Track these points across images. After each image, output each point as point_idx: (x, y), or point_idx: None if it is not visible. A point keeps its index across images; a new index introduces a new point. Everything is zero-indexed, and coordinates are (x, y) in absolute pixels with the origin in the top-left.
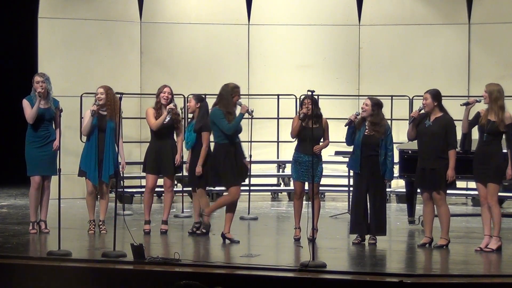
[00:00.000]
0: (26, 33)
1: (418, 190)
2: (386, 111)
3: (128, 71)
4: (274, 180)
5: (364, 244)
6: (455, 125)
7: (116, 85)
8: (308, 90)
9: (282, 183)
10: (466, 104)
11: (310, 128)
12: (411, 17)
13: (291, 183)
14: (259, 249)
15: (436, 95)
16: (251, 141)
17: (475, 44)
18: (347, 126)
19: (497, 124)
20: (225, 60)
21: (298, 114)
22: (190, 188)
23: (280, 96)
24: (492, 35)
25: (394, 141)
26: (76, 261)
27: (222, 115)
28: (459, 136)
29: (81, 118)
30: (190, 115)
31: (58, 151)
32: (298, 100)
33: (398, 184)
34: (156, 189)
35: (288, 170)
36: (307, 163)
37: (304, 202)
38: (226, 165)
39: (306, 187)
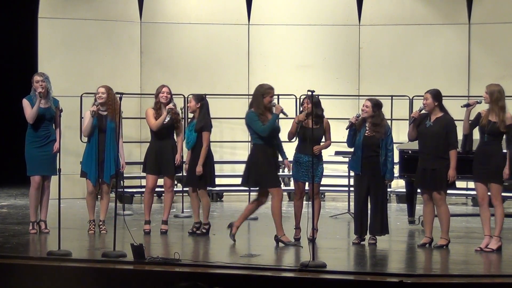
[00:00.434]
0: (26, 33)
1: (418, 190)
2: (386, 111)
3: (128, 71)
4: None
5: (364, 244)
6: (455, 125)
7: (116, 85)
8: (308, 90)
9: (282, 183)
10: (467, 105)
11: (310, 128)
12: (411, 17)
13: (291, 183)
14: (259, 249)
15: (436, 95)
16: (251, 141)
17: (475, 44)
18: (348, 129)
19: (497, 124)
20: (225, 60)
21: (296, 117)
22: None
23: (280, 96)
24: (492, 35)
25: (394, 141)
26: (76, 261)
27: (255, 117)
28: (459, 136)
29: (81, 118)
30: (191, 115)
31: (59, 145)
32: (298, 100)
33: (398, 184)
34: (156, 189)
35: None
36: (308, 163)
37: (304, 202)
38: (265, 167)
39: (307, 187)
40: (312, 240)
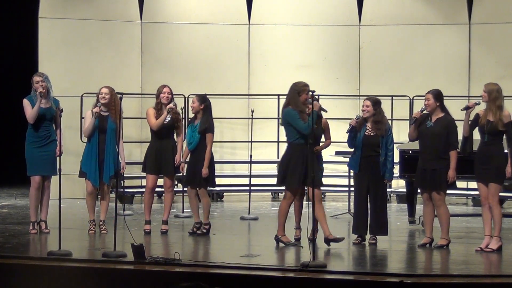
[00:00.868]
0: (26, 33)
1: (419, 190)
2: (386, 111)
3: (128, 71)
4: (274, 180)
5: (364, 244)
6: (456, 126)
7: (116, 85)
8: (309, 90)
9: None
10: (466, 108)
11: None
12: (411, 17)
13: None
14: (259, 249)
15: (438, 96)
16: (251, 141)
17: (475, 44)
18: (348, 132)
19: (495, 123)
20: (225, 60)
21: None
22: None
23: (280, 96)
24: (492, 35)
25: (394, 141)
26: (76, 261)
27: (297, 115)
28: (460, 137)
29: (82, 118)
30: (191, 115)
31: (60, 147)
32: None
33: (398, 184)
34: (156, 189)
35: None
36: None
37: (304, 203)
38: (296, 167)
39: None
40: (312, 240)
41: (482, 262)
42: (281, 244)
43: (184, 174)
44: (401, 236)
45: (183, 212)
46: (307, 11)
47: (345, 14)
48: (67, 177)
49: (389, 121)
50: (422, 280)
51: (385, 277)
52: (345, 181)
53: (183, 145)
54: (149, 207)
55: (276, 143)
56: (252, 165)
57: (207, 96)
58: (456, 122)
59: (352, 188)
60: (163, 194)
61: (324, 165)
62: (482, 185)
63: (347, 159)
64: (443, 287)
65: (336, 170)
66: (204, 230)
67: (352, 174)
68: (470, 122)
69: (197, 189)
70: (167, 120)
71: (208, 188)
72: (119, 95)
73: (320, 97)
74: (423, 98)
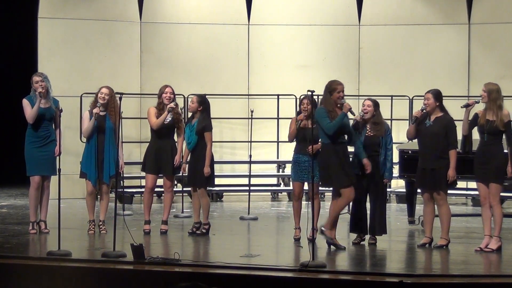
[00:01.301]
0: (26, 33)
1: (418, 190)
2: (386, 111)
3: (128, 71)
4: (274, 180)
5: (364, 244)
6: (455, 125)
7: (116, 85)
8: (308, 90)
9: (282, 183)
10: (466, 106)
11: (309, 129)
12: (411, 17)
13: (291, 183)
14: (259, 249)
15: (437, 95)
16: (251, 141)
17: (475, 44)
18: (352, 127)
19: (496, 123)
20: (225, 60)
21: (295, 116)
22: (190, 188)
23: (280, 96)
24: (492, 35)
25: (394, 141)
26: (76, 261)
27: (324, 114)
28: (459, 136)
29: (81, 118)
30: (190, 114)
31: (59, 148)
32: (298, 100)
33: (398, 184)
34: (156, 189)
35: (288, 170)
36: (306, 163)
37: (304, 202)
38: (335, 166)
39: (306, 187)
40: (312, 240)
41: (482, 262)
42: (280, 244)
43: (185, 174)
44: (400, 236)
45: (182, 212)
46: (307, 11)
47: (344, 14)
48: (66, 177)
49: (389, 121)
50: (421, 280)
51: (385, 277)
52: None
53: (183, 145)
54: (148, 207)
55: (276, 143)
56: (252, 165)
57: (207, 96)
58: (455, 121)
59: None
60: (163, 194)
61: None
62: (481, 185)
63: None
64: (443, 287)
65: None
66: (204, 230)
67: None
68: (469, 121)
69: (197, 189)
70: (167, 120)
71: (208, 188)
72: (119, 95)
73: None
74: (423, 98)
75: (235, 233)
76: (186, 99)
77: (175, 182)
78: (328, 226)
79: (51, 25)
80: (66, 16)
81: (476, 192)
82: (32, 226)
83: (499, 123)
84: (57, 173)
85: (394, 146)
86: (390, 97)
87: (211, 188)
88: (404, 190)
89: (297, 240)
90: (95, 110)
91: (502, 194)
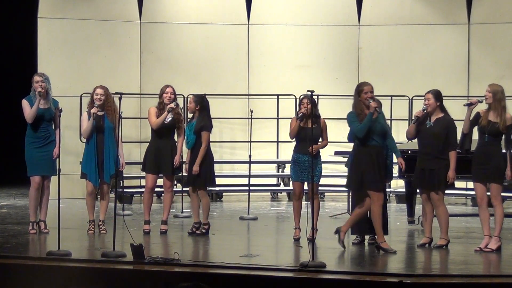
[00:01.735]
0: (26, 33)
1: (418, 190)
2: (385, 111)
3: (128, 71)
4: (273, 180)
5: (364, 244)
6: (455, 126)
7: (116, 85)
8: (308, 90)
9: (282, 183)
10: (469, 104)
11: (309, 128)
12: (411, 17)
13: (291, 183)
14: (259, 249)
15: (438, 95)
16: (250, 141)
17: (474, 44)
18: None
19: (498, 125)
20: (225, 60)
21: (296, 115)
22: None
23: (279, 96)
24: (492, 35)
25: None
26: (75, 261)
27: (354, 117)
28: (459, 136)
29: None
30: (190, 115)
31: (58, 150)
32: (297, 100)
33: (398, 184)
34: (156, 189)
35: (287, 170)
36: (306, 163)
37: (304, 202)
38: (370, 168)
39: (306, 187)
40: (311, 240)
41: (481, 262)
42: (280, 244)
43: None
44: (400, 236)
45: (182, 212)
46: (307, 11)
47: (344, 14)
48: (66, 177)
49: (388, 121)
50: (421, 280)
51: (385, 277)
52: (344, 181)
53: (183, 146)
54: (148, 207)
55: (276, 143)
56: (252, 165)
57: (206, 96)
58: (455, 121)
59: None
60: (163, 194)
61: (324, 165)
62: (479, 185)
63: (346, 159)
64: (443, 287)
65: (335, 170)
66: (204, 230)
67: None
68: (470, 119)
69: (197, 189)
70: (167, 120)
71: (208, 188)
72: (119, 95)
73: (319, 97)
74: (423, 98)
75: (235, 233)
76: (186, 99)
77: (175, 182)
78: (381, 238)
79: (51, 25)
80: (66, 16)
81: None
82: (32, 226)
83: (502, 125)
84: (57, 173)
85: None
86: (389, 97)
87: (211, 188)
88: (404, 190)
89: (297, 240)
90: (92, 110)
91: (502, 194)
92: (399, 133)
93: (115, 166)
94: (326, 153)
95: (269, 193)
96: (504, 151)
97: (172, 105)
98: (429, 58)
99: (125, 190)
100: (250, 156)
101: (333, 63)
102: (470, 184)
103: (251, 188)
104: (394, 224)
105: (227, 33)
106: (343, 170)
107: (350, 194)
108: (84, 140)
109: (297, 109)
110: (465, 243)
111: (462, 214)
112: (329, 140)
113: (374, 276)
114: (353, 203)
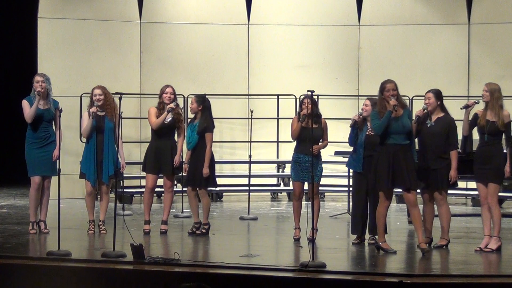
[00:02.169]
0: (26, 33)
1: (418, 190)
2: None
3: (128, 71)
4: (273, 180)
5: (364, 244)
6: (456, 126)
7: (116, 85)
8: (308, 90)
9: (282, 183)
10: (466, 106)
11: (309, 128)
12: (411, 17)
13: (291, 183)
14: (259, 249)
15: (438, 94)
16: (250, 141)
17: (475, 44)
18: (351, 127)
19: (497, 123)
20: (225, 60)
21: (297, 115)
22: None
23: (279, 96)
24: (492, 35)
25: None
26: (75, 261)
27: (375, 116)
28: (459, 137)
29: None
30: (191, 115)
31: (58, 152)
32: (297, 100)
33: None
34: (156, 189)
35: (287, 170)
36: (307, 163)
37: (304, 202)
38: (383, 168)
39: (306, 187)
40: (311, 240)
41: (482, 262)
42: (280, 244)
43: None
44: (400, 236)
45: (182, 212)
46: (306, 11)
47: (344, 14)
48: (66, 177)
49: None
50: (421, 280)
51: (385, 277)
52: (344, 181)
53: (183, 146)
54: (148, 207)
55: (276, 143)
56: (252, 165)
57: (207, 96)
58: (455, 122)
59: (351, 188)
60: (163, 194)
61: (324, 165)
62: (481, 185)
63: (346, 159)
64: (443, 287)
65: (335, 170)
66: (204, 230)
67: (351, 174)
68: (469, 121)
69: (197, 189)
70: (167, 120)
71: (208, 188)
72: (119, 95)
73: (319, 97)
74: (423, 98)
75: (235, 233)
76: (186, 99)
77: (175, 182)
78: (382, 238)
79: (51, 25)
80: (66, 16)
81: (476, 192)
82: (32, 226)
83: (500, 123)
84: (57, 174)
85: None
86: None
87: (211, 188)
88: None
89: (297, 240)
90: (92, 109)
91: (502, 194)
92: None
93: (114, 167)
94: (326, 153)
95: (269, 193)
96: (505, 151)
97: (172, 105)
98: (429, 58)
99: (125, 190)
100: (250, 156)
101: (333, 63)
102: (471, 184)
103: (251, 188)
104: (394, 224)
105: (227, 33)
106: (343, 170)
107: (350, 194)
108: (84, 140)
109: (298, 109)
110: (465, 243)
111: (462, 214)
112: (329, 140)
113: (374, 276)
114: (353, 203)
